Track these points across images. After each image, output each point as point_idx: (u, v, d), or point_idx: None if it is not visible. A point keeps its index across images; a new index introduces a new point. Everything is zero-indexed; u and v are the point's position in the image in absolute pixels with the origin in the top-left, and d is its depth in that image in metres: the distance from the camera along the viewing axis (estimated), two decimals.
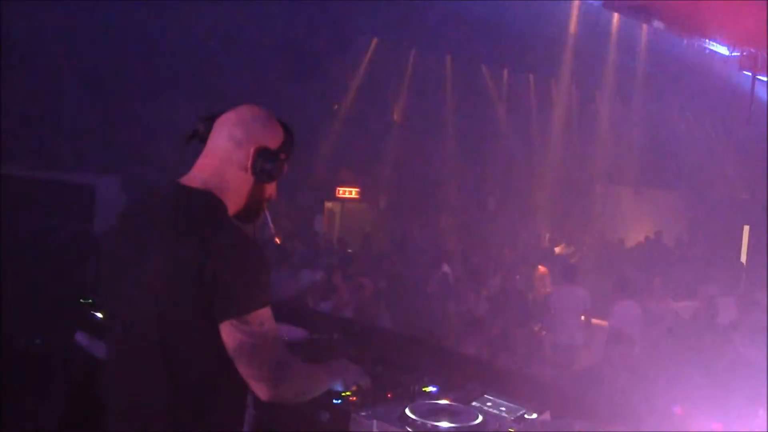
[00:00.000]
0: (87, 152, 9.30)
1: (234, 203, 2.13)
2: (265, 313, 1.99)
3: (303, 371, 2.15)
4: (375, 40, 15.38)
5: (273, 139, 2.15)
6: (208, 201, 2.06)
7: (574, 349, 8.10)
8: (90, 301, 3.75)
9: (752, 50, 10.50)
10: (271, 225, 2.27)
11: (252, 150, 2.10)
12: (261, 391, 2.00)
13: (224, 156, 2.11)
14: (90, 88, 9.36)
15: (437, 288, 9.21)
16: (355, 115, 15.14)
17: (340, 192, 16.42)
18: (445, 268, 9.82)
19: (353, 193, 16.60)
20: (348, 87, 15.42)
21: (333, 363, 2.39)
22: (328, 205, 16.75)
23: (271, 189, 2.21)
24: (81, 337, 3.63)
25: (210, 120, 2.18)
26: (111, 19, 9.47)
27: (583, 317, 8.30)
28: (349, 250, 11.98)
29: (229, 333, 1.96)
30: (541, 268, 10.38)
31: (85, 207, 9.04)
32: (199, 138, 2.19)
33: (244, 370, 1.99)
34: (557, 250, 15.20)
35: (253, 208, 2.18)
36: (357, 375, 2.42)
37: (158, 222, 2.04)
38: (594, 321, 8.57)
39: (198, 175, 2.11)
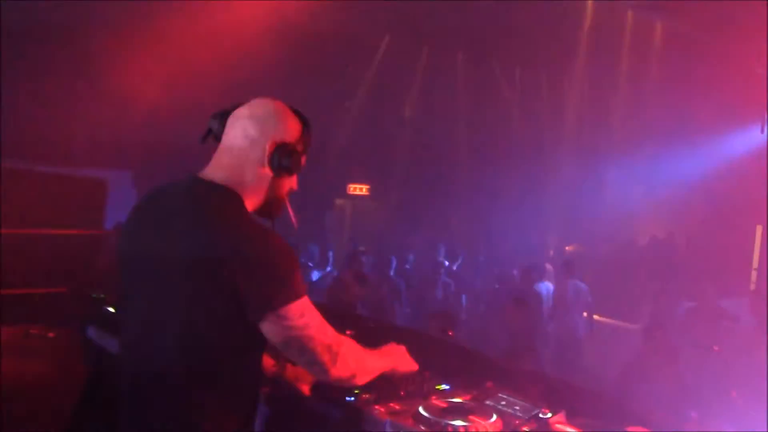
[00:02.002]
0: (99, 147, 9.35)
1: (254, 199, 2.10)
2: (302, 305, 1.99)
3: (356, 351, 2.19)
4: (387, 37, 15.35)
5: (288, 132, 2.11)
6: (226, 196, 2.03)
7: (578, 342, 8.22)
8: (102, 296, 3.75)
9: None
10: (293, 218, 2.23)
11: (268, 146, 2.07)
12: (317, 374, 2.11)
13: (240, 153, 2.08)
14: (102, 81, 9.40)
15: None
16: (366, 112, 15.12)
17: (351, 189, 16.41)
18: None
19: (364, 190, 16.58)
20: (360, 84, 15.40)
21: (388, 347, 2.45)
22: (339, 202, 16.74)
23: (291, 181, 2.19)
24: (92, 332, 3.64)
25: (223, 116, 2.15)
26: (122, 16, 9.54)
27: (585, 313, 8.47)
28: (361, 248, 11.99)
29: (270, 330, 1.97)
30: (547, 266, 10.40)
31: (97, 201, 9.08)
32: (214, 135, 2.16)
33: (296, 359, 2.08)
34: (567, 249, 15.17)
35: (273, 202, 2.15)
36: (411, 363, 2.50)
37: (176, 216, 2.02)
38: (597, 317, 8.80)
39: (216, 172, 2.09)
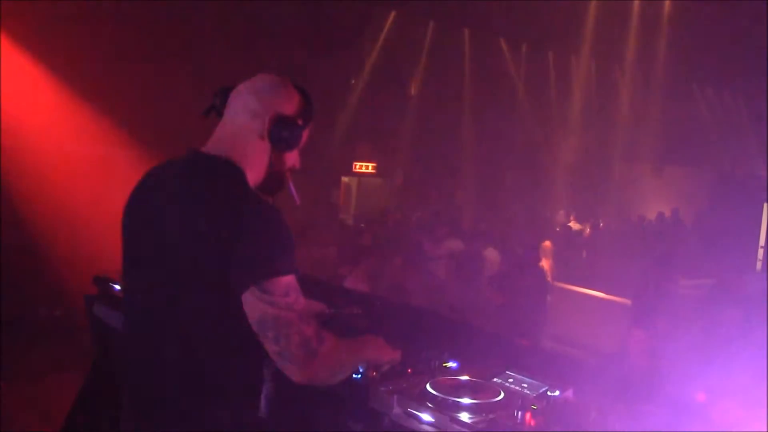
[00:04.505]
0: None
1: (254, 174, 2.07)
2: (289, 282, 1.89)
3: (336, 348, 2.00)
4: (393, 13, 15.25)
5: (289, 106, 2.10)
6: (226, 168, 2.01)
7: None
8: (108, 272, 3.75)
9: None
10: (295, 195, 2.20)
11: (268, 118, 2.06)
12: (290, 372, 1.90)
13: (241, 126, 2.07)
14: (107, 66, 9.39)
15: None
16: (372, 89, 15.06)
17: (357, 167, 16.38)
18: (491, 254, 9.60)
19: (370, 167, 16.55)
20: (365, 61, 15.32)
21: (365, 338, 2.28)
22: (345, 179, 16.73)
23: (292, 158, 2.16)
24: (99, 309, 3.64)
25: (225, 92, 2.14)
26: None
27: None
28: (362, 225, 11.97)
29: (250, 303, 1.87)
30: (547, 243, 10.42)
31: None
32: (216, 111, 2.16)
33: (270, 347, 1.89)
34: (572, 226, 15.15)
35: (274, 178, 2.12)
36: (390, 352, 2.33)
37: (176, 189, 2.01)
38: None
39: (216, 145, 2.07)
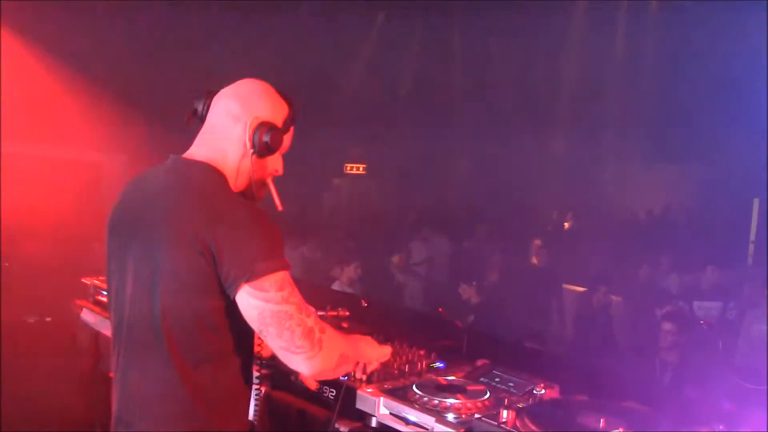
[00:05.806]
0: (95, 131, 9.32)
1: (236, 179, 2.08)
2: (282, 277, 1.89)
3: (337, 337, 2.02)
4: (382, 13, 15.24)
5: (271, 112, 2.10)
6: (207, 173, 2.01)
7: None
8: (96, 278, 3.75)
9: None
10: (277, 201, 2.19)
11: (249, 123, 2.05)
12: (298, 364, 1.92)
13: (223, 131, 2.07)
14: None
15: None
16: (362, 89, 15.03)
17: (348, 168, 16.37)
18: None
19: (361, 169, 16.54)
20: (354, 61, 15.29)
21: (360, 337, 2.29)
22: (336, 181, 16.71)
23: (274, 163, 2.15)
24: (87, 315, 3.64)
25: (208, 97, 2.14)
26: None
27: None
28: None
29: (246, 303, 1.88)
30: (537, 241, 10.49)
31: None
32: (198, 116, 2.14)
33: (273, 343, 1.90)
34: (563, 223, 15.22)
35: (256, 183, 2.11)
36: (381, 348, 2.33)
37: (158, 195, 2.00)
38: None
39: (198, 151, 2.07)
